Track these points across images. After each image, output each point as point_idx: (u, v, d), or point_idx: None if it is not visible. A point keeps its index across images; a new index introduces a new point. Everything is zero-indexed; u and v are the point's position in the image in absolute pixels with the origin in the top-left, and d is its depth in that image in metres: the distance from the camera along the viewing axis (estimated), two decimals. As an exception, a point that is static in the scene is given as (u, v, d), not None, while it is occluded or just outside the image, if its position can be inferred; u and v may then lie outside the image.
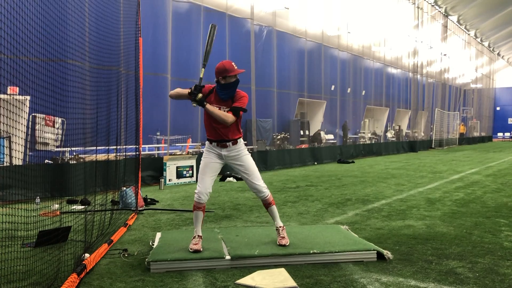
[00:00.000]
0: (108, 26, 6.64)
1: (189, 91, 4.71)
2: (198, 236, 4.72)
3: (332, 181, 11.66)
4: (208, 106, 4.70)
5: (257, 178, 4.90)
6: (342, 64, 23.14)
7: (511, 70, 53.86)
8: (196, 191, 4.77)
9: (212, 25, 5.06)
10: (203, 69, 4.91)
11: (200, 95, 4.68)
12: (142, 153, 8.51)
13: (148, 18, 12.61)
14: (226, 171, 12.73)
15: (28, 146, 6.63)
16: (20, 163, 7.13)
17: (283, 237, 4.86)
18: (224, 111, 4.75)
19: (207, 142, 4.91)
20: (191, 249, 4.57)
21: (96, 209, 6.48)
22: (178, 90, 4.90)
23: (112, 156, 7.05)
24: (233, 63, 4.84)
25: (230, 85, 4.81)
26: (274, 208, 4.97)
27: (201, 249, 4.59)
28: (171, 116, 13.41)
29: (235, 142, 4.85)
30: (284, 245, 4.76)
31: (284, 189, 10.30)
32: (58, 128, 8.69)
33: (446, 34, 35.43)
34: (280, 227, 4.92)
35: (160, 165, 11.22)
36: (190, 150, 14.22)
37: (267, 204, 4.94)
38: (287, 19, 19.35)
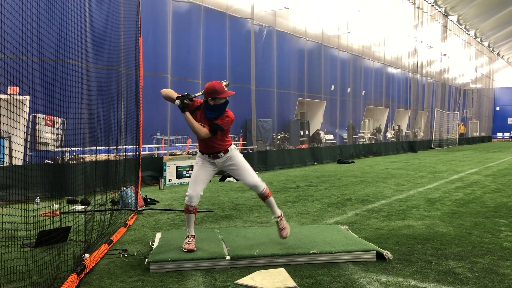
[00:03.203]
0: (108, 26, 6.64)
1: (179, 96, 4.64)
2: (192, 235, 4.75)
3: (332, 181, 11.66)
4: (187, 114, 4.68)
5: (252, 174, 4.95)
6: (342, 64, 23.15)
7: (511, 70, 53.87)
8: (187, 194, 4.78)
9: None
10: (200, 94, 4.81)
11: (186, 101, 4.61)
12: (142, 153, 8.51)
13: (148, 18, 12.62)
14: (226, 171, 12.73)
15: (28, 146, 6.62)
16: (20, 163, 7.12)
17: (284, 228, 4.91)
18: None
19: (199, 153, 4.95)
20: (184, 248, 4.60)
21: (96, 209, 6.48)
22: (170, 92, 4.84)
23: (112, 156, 7.05)
24: (223, 84, 4.73)
25: (218, 107, 4.71)
26: (272, 199, 4.99)
27: (195, 249, 4.61)
28: (171, 116, 13.42)
29: (226, 151, 4.88)
30: (285, 237, 4.84)
31: (284, 189, 10.30)
32: (58, 128, 8.69)
33: (446, 34, 35.45)
34: (278, 217, 4.95)
35: (160, 165, 11.23)
36: (190, 150, 14.23)
37: (265, 197, 4.96)
38: (287, 19, 19.36)
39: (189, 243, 4.66)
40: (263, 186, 4.92)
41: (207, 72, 15.41)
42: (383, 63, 27.65)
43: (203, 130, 4.69)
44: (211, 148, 4.84)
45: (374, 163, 18.30)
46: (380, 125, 28.30)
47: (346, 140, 23.22)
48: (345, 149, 20.79)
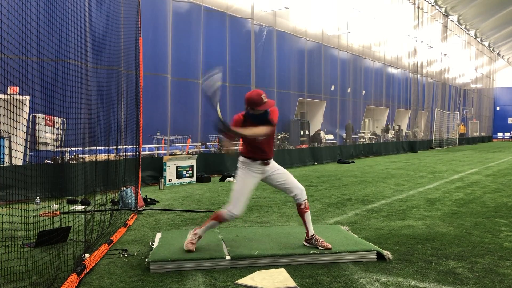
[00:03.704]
0: (108, 26, 6.63)
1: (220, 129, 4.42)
2: (199, 237, 4.71)
3: (332, 181, 11.66)
4: (235, 130, 4.42)
5: (295, 179, 4.80)
6: (342, 64, 23.15)
7: (511, 70, 53.86)
8: (229, 210, 4.52)
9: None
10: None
11: (222, 127, 4.37)
12: (142, 153, 8.51)
13: (148, 18, 12.62)
14: (226, 171, 12.73)
15: (28, 146, 6.61)
16: (20, 163, 7.12)
17: (322, 241, 4.71)
18: None
19: (245, 160, 4.64)
20: (185, 247, 4.58)
21: (96, 209, 6.48)
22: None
23: (112, 156, 7.05)
24: (262, 96, 4.50)
25: (259, 116, 4.53)
26: (309, 214, 4.79)
27: (194, 250, 4.58)
28: (171, 116, 13.42)
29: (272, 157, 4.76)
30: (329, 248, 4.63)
31: (284, 189, 10.28)
32: (58, 128, 8.69)
33: (446, 34, 35.44)
34: (312, 236, 4.73)
35: (160, 165, 11.22)
36: (190, 150, 14.23)
37: (305, 209, 4.74)
38: (287, 19, 19.36)
39: (193, 244, 4.63)
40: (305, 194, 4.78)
41: (207, 72, 15.39)
42: (383, 63, 27.65)
43: (262, 128, 4.45)
44: (268, 152, 4.62)
45: (374, 163, 18.30)
46: (388, 124, 28.40)
47: (347, 140, 23.22)
48: (345, 149, 20.79)
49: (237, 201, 4.55)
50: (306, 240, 4.77)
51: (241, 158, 4.69)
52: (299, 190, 4.75)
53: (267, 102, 4.50)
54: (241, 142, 4.75)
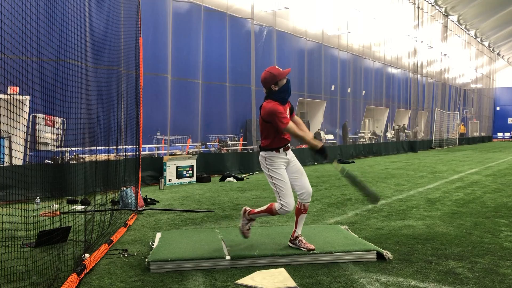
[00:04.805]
0: (108, 26, 6.64)
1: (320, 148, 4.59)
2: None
3: (332, 181, 11.66)
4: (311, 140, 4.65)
5: (308, 180, 4.80)
6: (342, 64, 23.15)
7: (511, 70, 53.86)
8: (283, 207, 4.54)
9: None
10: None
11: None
12: (142, 153, 8.51)
13: (148, 18, 12.63)
14: (226, 171, 12.74)
15: (28, 146, 6.62)
16: (20, 163, 7.13)
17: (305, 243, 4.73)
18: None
19: (273, 154, 4.60)
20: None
21: (96, 209, 6.48)
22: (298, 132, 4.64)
23: (112, 156, 7.05)
24: (276, 66, 4.65)
25: (285, 88, 4.58)
26: (304, 217, 4.82)
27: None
28: (171, 116, 13.43)
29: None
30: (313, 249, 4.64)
31: (284, 189, 10.28)
32: (58, 128, 8.69)
33: (446, 34, 35.45)
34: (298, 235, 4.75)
35: (160, 165, 11.23)
36: (190, 150, 14.23)
37: (303, 211, 4.74)
38: (287, 19, 19.37)
39: (248, 230, 4.74)
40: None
41: (207, 72, 15.42)
42: (383, 63, 27.66)
43: (291, 123, 4.55)
44: (284, 139, 4.63)
45: (374, 163, 18.30)
46: (404, 124, 28.49)
47: (345, 140, 23.21)
48: (345, 149, 20.79)
49: (286, 195, 4.57)
50: (290, 241, 4.78)
51: (265, 154, 4.63)
52: (308, 192, 4.71)
53: (284, 70, 4.58)
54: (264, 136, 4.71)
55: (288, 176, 4.67)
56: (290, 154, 4.72)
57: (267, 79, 4.53)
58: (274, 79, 4.52)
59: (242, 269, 4.31)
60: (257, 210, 4.80)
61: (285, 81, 4.58)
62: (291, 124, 4.52)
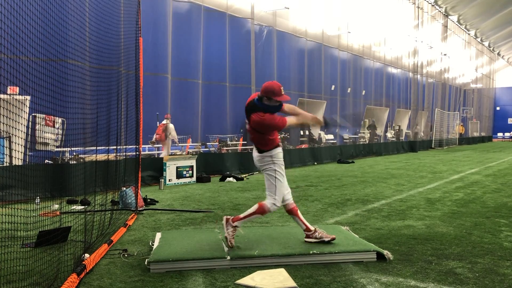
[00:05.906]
0: (108, 26, 6.63)
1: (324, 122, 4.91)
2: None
3: (332, 181, 11.66)
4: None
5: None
6: (342, 64, 23.15)
7: (511, 70, 53.86)
8: (274, 203, 4.74)
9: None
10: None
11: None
12: (142, 153, 8.50)
13: (149, 18, 12.62)
14: (226, 171, 12.73)
15: (28, 146, 6.62)
16: (20, 163, 7.12)
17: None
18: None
19: (277, 150, 4.83)
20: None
21: (96, 209, 6.48)
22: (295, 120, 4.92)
23: (112, 156, 7.04)
24: (282, 88, 4.70)
25: (274, 108, 4.71)
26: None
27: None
28: (171, 116, 13.42)
29: None
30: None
31: (284, 189, 10.29)
32: (58, 128, 8.69)
33: (446, 34, 35.45)
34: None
35: (160, 165, 11.23)
36: (190, 150, 14.23)
37: (296, 207, 4.96)
38: (287, 19, 19.36)
39: (233, 238, 4.77)
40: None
41: (207, 72, 15.42)
42: (383, 63, 27.66)
43: (288, 118, 4.79)
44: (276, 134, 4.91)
45: (374, 163, 18.30)
46: (399, 126, 28.67)
47: (347, 140, 23.20)
48: (345, 149, 20.80)
49: (279, 193, 4.75)
50: (308, 236, 4.87)
51: (270, 153, 4.79)
52: (289, 190, 4.96)
53: (284, 95, 4.69)
54: (266, 136, 4.81)
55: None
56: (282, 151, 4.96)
57: (268, 88, 4.65)
58: (272, 94, 4.63)
59: (242, 269, 4.31)
60: (242, 215, 4.85)
61: (277, 104, 4.71)
62: (289, 120, 4.73)
